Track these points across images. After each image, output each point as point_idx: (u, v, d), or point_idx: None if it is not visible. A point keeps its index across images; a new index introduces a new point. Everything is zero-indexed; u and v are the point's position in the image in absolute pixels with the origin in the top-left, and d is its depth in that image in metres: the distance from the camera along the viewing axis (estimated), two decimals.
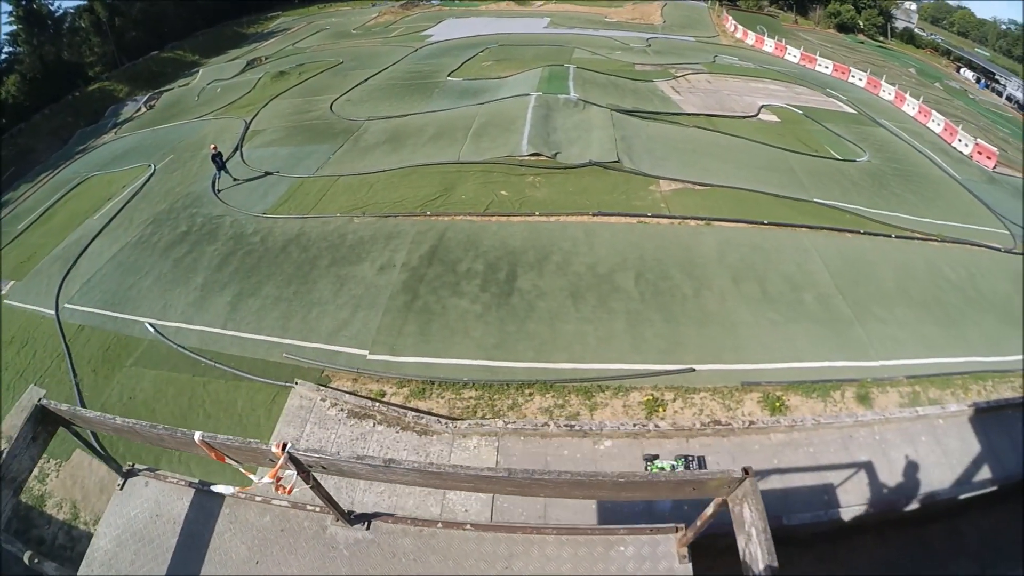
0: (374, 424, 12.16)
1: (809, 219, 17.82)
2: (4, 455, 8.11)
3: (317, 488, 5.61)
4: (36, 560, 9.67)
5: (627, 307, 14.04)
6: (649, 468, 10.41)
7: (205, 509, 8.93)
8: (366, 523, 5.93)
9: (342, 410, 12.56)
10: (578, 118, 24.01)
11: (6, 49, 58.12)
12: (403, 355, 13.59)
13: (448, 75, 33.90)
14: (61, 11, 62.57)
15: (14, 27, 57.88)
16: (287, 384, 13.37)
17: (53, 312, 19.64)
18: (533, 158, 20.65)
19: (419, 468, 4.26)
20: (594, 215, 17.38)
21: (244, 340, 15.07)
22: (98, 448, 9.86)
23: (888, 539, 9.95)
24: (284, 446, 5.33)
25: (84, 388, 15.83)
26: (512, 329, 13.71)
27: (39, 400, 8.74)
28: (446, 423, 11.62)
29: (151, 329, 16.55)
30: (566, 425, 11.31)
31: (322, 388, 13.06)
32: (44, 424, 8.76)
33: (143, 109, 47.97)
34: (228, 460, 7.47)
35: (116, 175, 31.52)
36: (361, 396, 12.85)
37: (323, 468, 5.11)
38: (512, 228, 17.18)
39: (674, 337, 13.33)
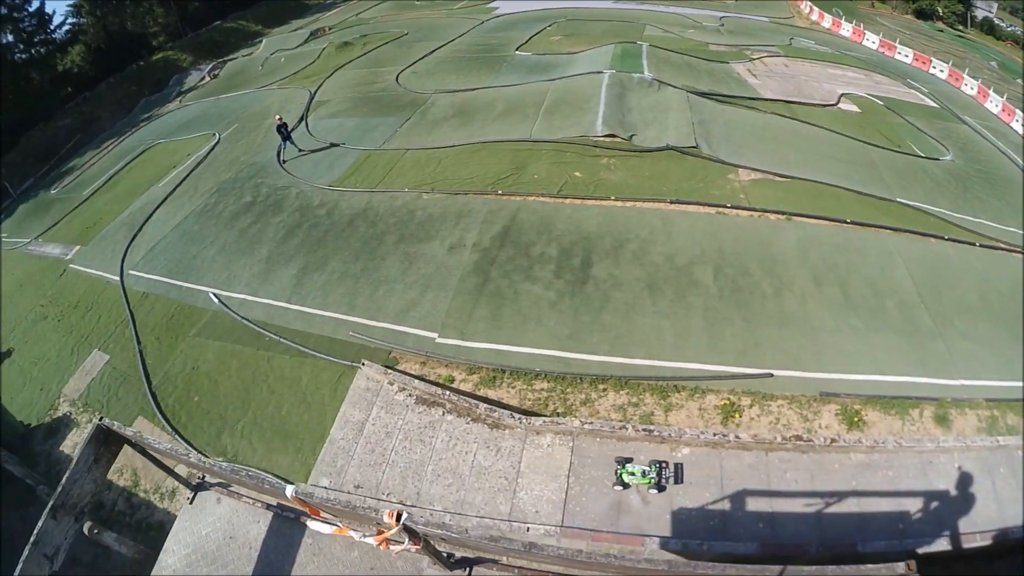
0: (443, 412, 12.14)
1: (892, 220, 16.90)
2: (64, 481, 8.33)
3: (426, 546, 5.42)
4: (96, 531, 9.98)
5: (705, 303, 13.56)
6: (620, 472, 10.23)
7: (285, 537, 9.00)
8: (467, 569, 5.69)
9: (410, 395, 12.57)
10: (653, 99, 23.41)
11: (70, 20, 60.78)
12: (473, 340, 13.51)
13: (516, 49, 33.76)
14: None
15: None
16: (353, 364, 13.54)
17: (118, 278, 20.55)
18: (608, 139, 20.21)
19: (565, 556, 3.92)
20: (671, 203, 16.87)
21: (310, 316, 15.38)
22: (165, 466, 10.00)
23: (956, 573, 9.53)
24: (399, 516, 5.11)
25: (147, 355, 16.51)
26: (587, 319, 13.42)
27: (100, 420, 8.99)
28: (519, 418, 11.42)
29: (215, 300, 17.09)
30: (644, 429, 11.00)
31: (390, 371, 13.12)
32: (107, 445, 8.96)
33: (207, 78, 49.71)
34: (324, 514, 7.45)
35: (181, 143, 32.82)
36: (430, 381, 12.81)
37: (444, 540, 4.86)
38: (587, 212, 16.87)
39: (753, 338, 12.82)
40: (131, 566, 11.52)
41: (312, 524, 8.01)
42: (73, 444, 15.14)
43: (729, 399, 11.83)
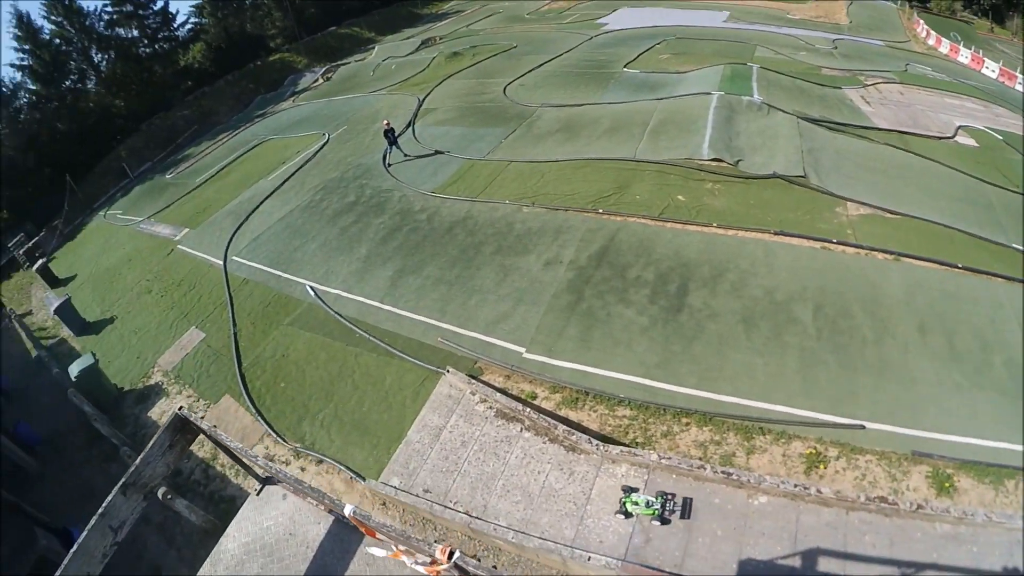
0: (521, 429, 12.08)
1: (1007, 268, 15.55)
2: (137, 461, 8.87)
3: None
4: (169, 496, 10.48)
5: (802, 343, 12.89)
6: (624, 502, 10.12)
7: (343, 543, 9.25)
8: None
9: (491, 407, 12.57)
10: (762, 123, 22.71)
11: (192, 20, 66.42)
12: (560, 359, 13.40)
13: (624, 66, 33.79)
14: None
15: (199, 0, 65.20)
16: (438, 370, 13.71)
17: (221, 262, 21.80)
18: (713, 163, 19.75)
19: None
20: (775, 234, 16.21)
21: (401, 317, 15.78)
22: (237, 457, 10.37)
23: None
24: (451, 554, 5.12)
25: (241, 338, 17.50)
26: (677, 349, 13.05)
27: (179, 409, 9.53)
28: (597, 444, 11.22)
29: (311, 292, 17.84)
30: (723, 472, 10.52)
31: (473, 380, 13.18)
32: (182, 433, 9.47)
33: (320, 80, 52.48)
34: (380, 536, 7.63)
35: (291, 140, 34.71)
36: (512, 396, 12.79)
37: None
38: (687, 237, 16.50)
39: (848, 386, 12.08)
40: (198, 534, 12.16)
41: (369, 548, 8.19)
42: (161, 412, 16.17)
43: (815, 448, 11.19)
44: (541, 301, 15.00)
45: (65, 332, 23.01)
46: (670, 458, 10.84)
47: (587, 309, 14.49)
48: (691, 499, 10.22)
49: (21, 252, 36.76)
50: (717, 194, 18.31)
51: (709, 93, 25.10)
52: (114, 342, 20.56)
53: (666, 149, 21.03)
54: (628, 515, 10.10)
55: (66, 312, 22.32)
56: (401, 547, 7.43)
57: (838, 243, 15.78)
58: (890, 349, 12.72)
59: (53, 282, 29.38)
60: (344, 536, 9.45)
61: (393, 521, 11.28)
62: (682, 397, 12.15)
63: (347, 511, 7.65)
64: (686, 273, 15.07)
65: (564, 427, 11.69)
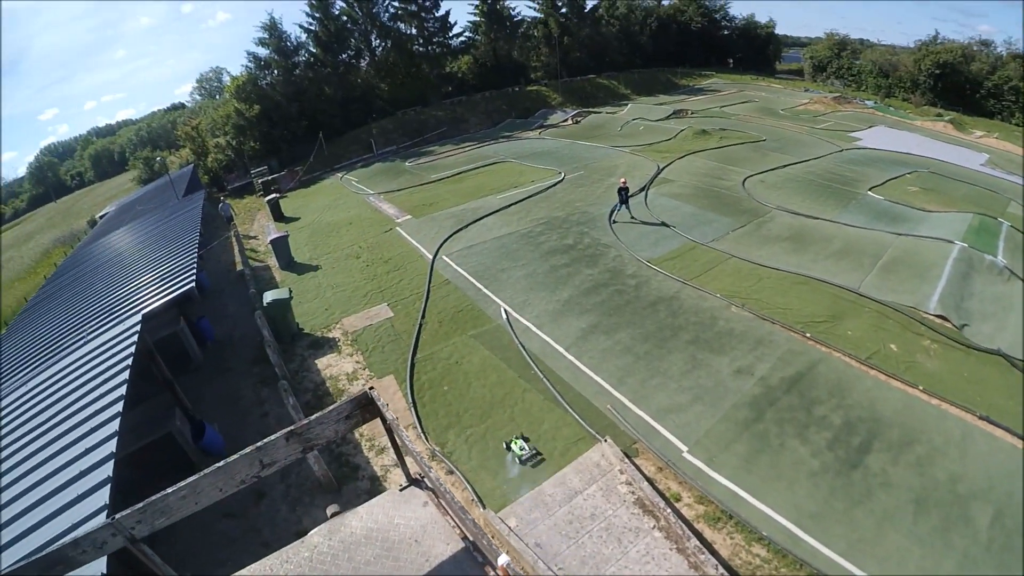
0: (654, 526, 11.58)
1: None
2: (313, 417, 9.57)
3: None
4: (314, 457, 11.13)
5: (968, 547, 11.14)
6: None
7: (464, 570, 9.32)
8: None
9: (633, 492, 12.24)
10: (1000, 290, 20.20)
11: (467, 33, 73.27)
12: (718, 471, 12.74)
13: (869, 188, 31.76)
14: (520, 17, 77.04)
15: (477, 17, 71.98)
16: (596, 435, 13.64)
17: (431, 256, 23.33)
18: (938, 319, 17.93)
19: None
20: (980, 417, 14.29)
21: (579, 371, 15.95)
22: (399, 451, 10.93)
23: None
24: None
25: (425, 330, 18.64)
26: (838, 506, 11.89)
27: (369, 389, 10.16)
28: (722, 573, 10.45)
29: (504, 315, 18.73)
30: None
31: (626, 459, 12.93)
32: (363, 410, 10.12)
33: (569, 121, 55.28)
34: None
35: (528, 169, 36.94)
36: (657, 489, 12.33)
37: None
38: (888, 392, 15.05)
39: None
40: (311, 483, 13.01)
41: None
42: (327, 364, 17.62)
43: None
44: (720, 407, 14.44)
45: (272, 262, 26.18)
46: None
47: (762, 431, 13.73)
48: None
49: (261, 181, 42.33)
50: (932, 354, 16.64)
51: (952, 242, 23.00)
52: (310, 288, 22.92)
53: (892, 290, 19.52)
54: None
55: (280, 246, 25.41)
56: None
57: None
58: None
59: (278, 216, 33.63)
60: (467, 566, 9.59)
61: None
62: (823, 558, 11.09)
63: (501, 560, 7.83)
64: (875, 429, 13.80)
65: (696, 542, 11.11)
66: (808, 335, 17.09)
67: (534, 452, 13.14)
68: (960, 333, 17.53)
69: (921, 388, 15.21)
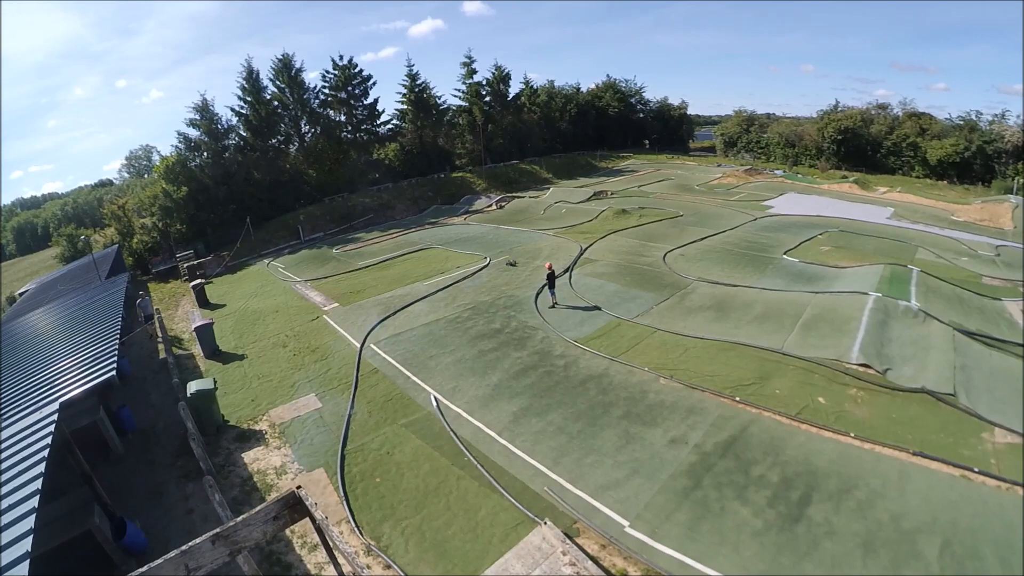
0: None
1: None
2: (238, 519, 9.47)
3: None
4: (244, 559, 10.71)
5: None
6: None
7: None
8: None
9: (577, 572, 12.14)
10: (916, 332, 21.63)
11: (394, 121, 76.09)
12: (662, 542, 12.83)
13: (784, 252, 33.98)
14: (445, 105, 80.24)
15: (404, 105, 74.54)
16: (535, 518, 13.56)
17: (359, 345, 23.18)
18: (861, 368, 18.99)
19: None
20: (914, 454, 15.05)
21: (513, 455, 15.95)
22: (331, 551, 10.73)
23: None
24: None
25: (354, 422, 18.34)
26: (786, 563, 12.13)
27: (297, 488, 10.11)
28: None
29: (434, 403, 18.69)
30: None
31: (567, 540, 12.85)
32: (290, 510, 10.03)
33: (493, 206, 56.90)
34: None
35: (454, 254, 37.69)
36: (603, 567, 12.28)
37: None
38: (821, 444, 15.70)
39: None
40: None
41: None
42: (254, 458, 17.03)
43: None
44: (657, 478, 14.66)
45: (196, 350, 25.41)
46: None
47: (702, 498, 13.98)
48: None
49: (186, 265, 41.62)
50: (860, 402, 17.53)
51: (866, 293, 24.64)
52: (236, 378, 22.31)
53: (814, 346, 20.62)
54: None
55: (205, 334, 24.83)
56: None
57: (979, 472, 14.51)
58: None
59: (203, 303, 32.89)
60: None
61: None
62: None
63: None
64: (812, 482, 14.29)
65: None
66: (738, 399, 17.72)
67: None
68: (884, 378, 18.53)
69: (853, 435, 15.90)
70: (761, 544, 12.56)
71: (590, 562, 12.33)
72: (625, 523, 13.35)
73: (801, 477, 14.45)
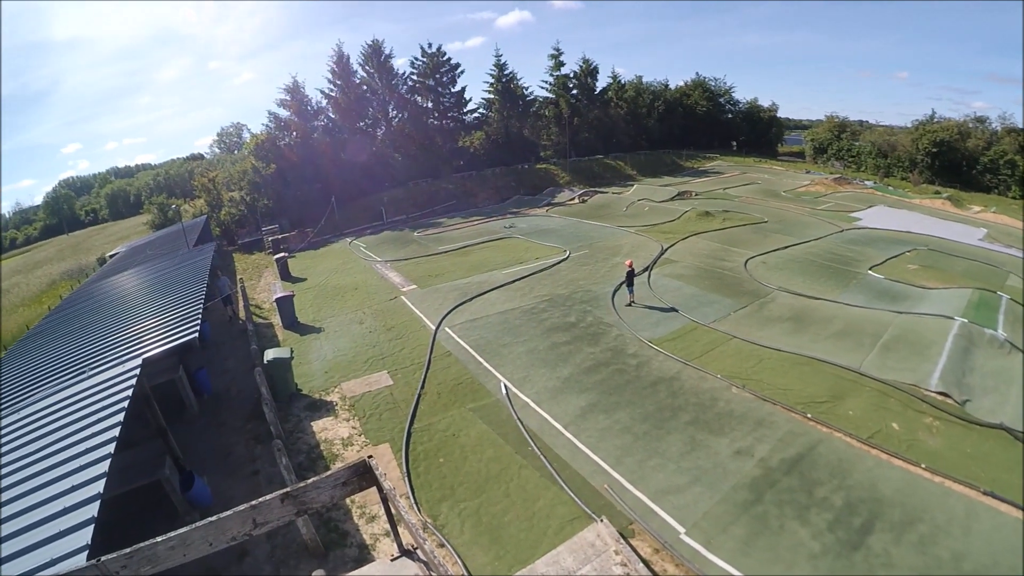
0: None
1: None
2: (309, 481, 9.70)
3: None
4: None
5: None
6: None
7: None
8: None
9: (628, 574, 12.04)
10: (1000, 364, 20.19)
11: (480, 110, 76.86)
12: (715, 554, 12.57)
13: (869, 268, 32.41)
14: (532, 96, 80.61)
15: (491, 95, 75.01)
16: (592, 515, 13.51)
17: (434, 328, 23.74)
18: (939, 396, 17.95)
19: None
20: (984, 493, 14.12)
21: (577, 450, 15.96)
22: (393, 520, 10.96)
23: None
24: None
25: (423, 401, 18.77)
26: None
27: (368, 458, 10.33)
28: None
29: (504, 390, 18.85)
30: None
31: (622, 540, 12.78)
32: (360, 478, 10.27)
33: (576, 200, 56.72)
34: None
35: (534, 245, 37.92)
36: (654, 571, 12.17)
37: None
38: (890, 471, 14.95)
39: None
40: (296, 545, 12.87)
41: None
42: (323, 427, 17.66)
43: None
44: (718, 488, 14.37)
45: (275, 320, 26.54)
46: None
47: (761, 513, 13.62)
48: None
49: (271, 239, 43.36)
50: (934, 432, 16.61)
51: (952, 318, 23.22)
52: (311, 349, 23.23)
53: (893, 369, 19.63)
54: None
55: (285, 305, 25.91)
56: None
57: None
58: None
59: (286, 276, 34.30)
60: None
61: None
62: None
63: None
64: (876, 510, 13.68)
65: None
66: (809, 416, 17.15)
67: None
68: (962, 409, 17.56)
69: (923, 466, 15.17)
70: (815, 568, 12.16)
71: (641, 564, 12.22)
72: (681, 530, 13.17)
73: (865, 504, 13.88)
